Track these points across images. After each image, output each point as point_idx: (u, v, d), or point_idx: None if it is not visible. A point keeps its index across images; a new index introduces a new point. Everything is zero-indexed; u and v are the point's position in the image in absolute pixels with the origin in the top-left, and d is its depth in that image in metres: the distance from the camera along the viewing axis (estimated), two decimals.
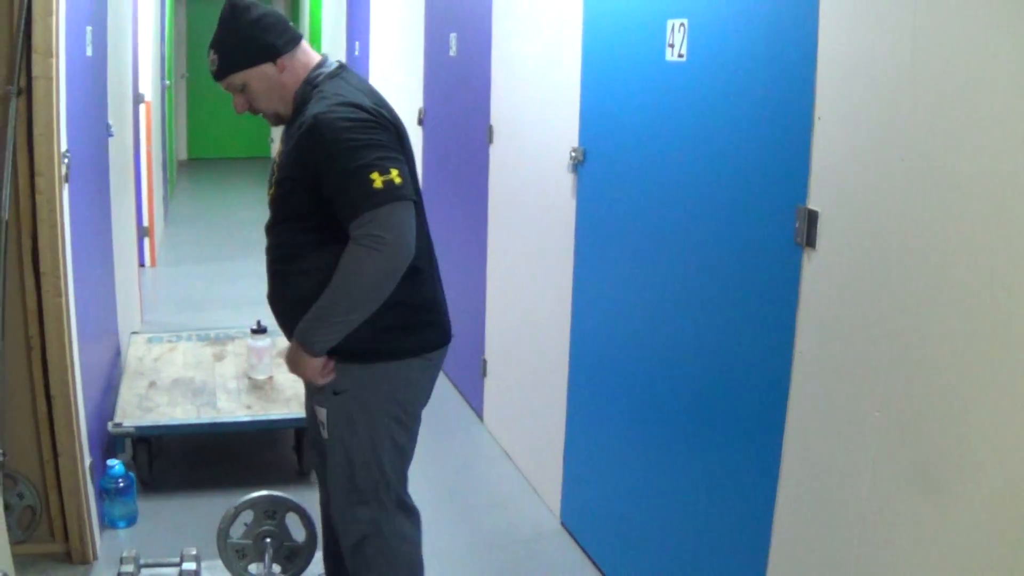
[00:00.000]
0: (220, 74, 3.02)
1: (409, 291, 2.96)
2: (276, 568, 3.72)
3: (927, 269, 2.29)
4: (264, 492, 3.77)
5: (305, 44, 3.09)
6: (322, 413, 3.06)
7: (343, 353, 2.97)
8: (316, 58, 3.08)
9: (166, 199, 11.29)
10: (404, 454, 3.16)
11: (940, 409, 2.26)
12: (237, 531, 3.74)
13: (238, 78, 3.01)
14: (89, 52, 4.51)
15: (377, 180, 2.75)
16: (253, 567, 3.73)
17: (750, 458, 3.04)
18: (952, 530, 2.24)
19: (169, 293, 8.27)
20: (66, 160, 3.76)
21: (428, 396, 3.23)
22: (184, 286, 8.55)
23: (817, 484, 2.71)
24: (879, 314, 2.45)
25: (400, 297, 2.91)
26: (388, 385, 3.05)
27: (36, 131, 3.60)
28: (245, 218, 11.58)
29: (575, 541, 4.30)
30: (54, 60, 3.59)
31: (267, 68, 2.99)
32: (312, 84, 3.00)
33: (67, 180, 3.77)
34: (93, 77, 4.76)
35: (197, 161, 16.59)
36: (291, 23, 3.09)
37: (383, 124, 2.87)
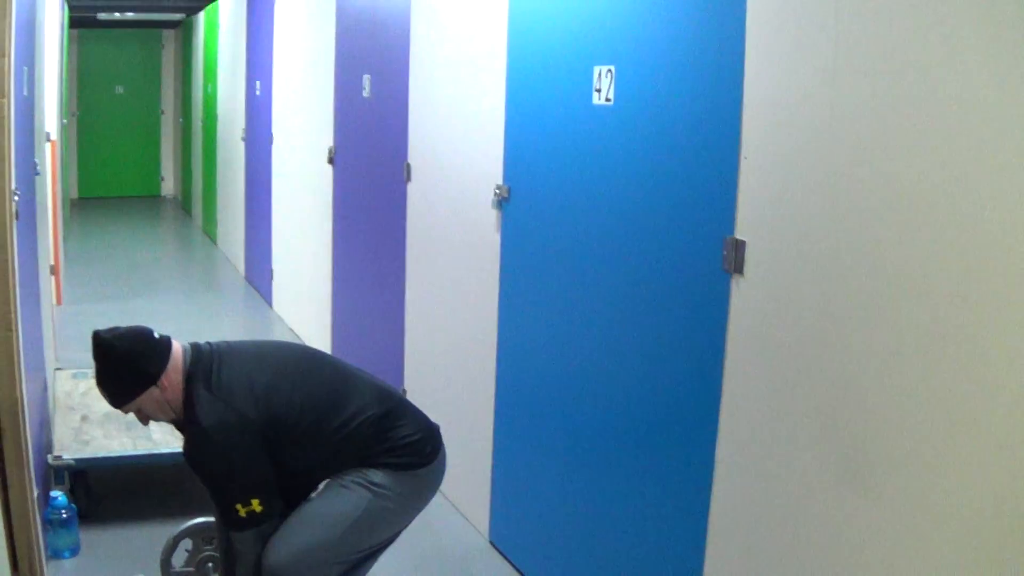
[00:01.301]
0: (117, 404, 3.34)
1: (404, 434, 3.36)
2: None
3: (846, 288, 2.56)
4: (201, 519, 3.87)
5: (174, 346, 3.33)
6: (322, 484, 3.36)
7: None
8: (180, 355, 3.31)
9: (63, 238, 11.25)
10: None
11: (867, 416, 2.52)
12: (179, 559, 3.86)
13: (132, 406, 3.31)
14: (25, 92, 4.61)
15: (241, 511, 3.19)
16: None
17: (682, 472, 3.26)
18: (882, 525, 2.48)
19: (79, 331, 8.27)
20: (16, 198, 3.87)
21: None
22: (91, 324, 8.50)
23: (750, 492, 2.95)
24: (803, 331, 2.70)
25: (401, 442, 3.35)
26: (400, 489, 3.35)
27: None
28: (142, 259, 11.64)
29: (505, 558, 4.49)
30: (5, 100, 3.69)
31: (152, 391, 3.27)
32: (188, 383, 3.27)
33: (17, 217, 3.88)
34: (26, 117, 4.86)
35: (88, 200, 16.49)
36: (155, 336, 3.34)
37: (247, 432, 3.20)
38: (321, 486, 3.37)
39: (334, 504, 3.28)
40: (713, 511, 3.10)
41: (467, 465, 4.83)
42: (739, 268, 2.94)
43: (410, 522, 3.50)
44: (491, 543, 4.62)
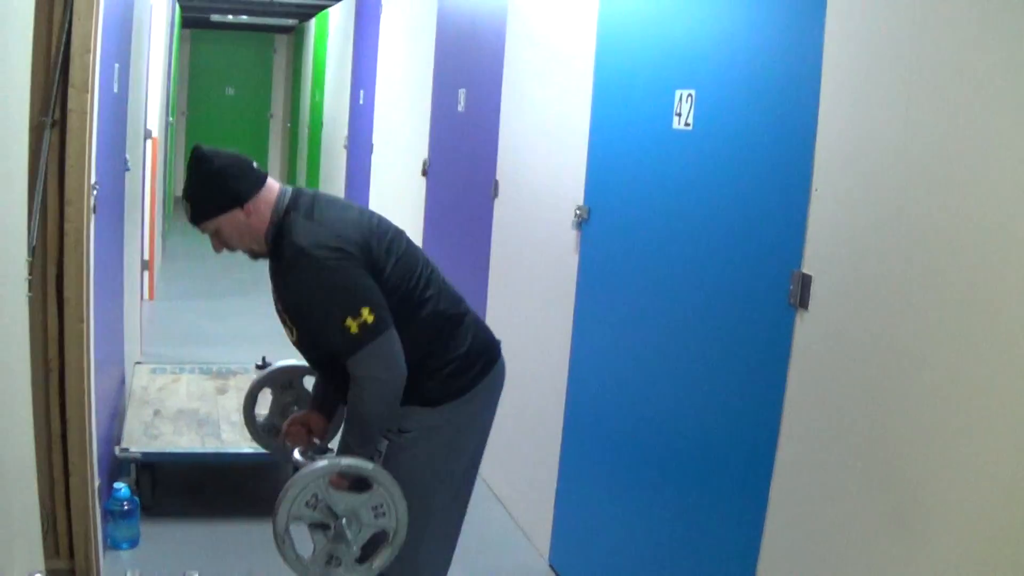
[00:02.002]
0: (194, 220, 3.21)
1: (458, 344, 3.23)
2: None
3: (911, 328, 2.47)
4: (278, 364, 3.72)
5: (270, 182, 3.23)
6: (382, 444, 3.19)
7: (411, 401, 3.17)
8: (276, 193, 3.21)
9: (164, 234, 11.43)
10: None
11: (921, 463, 2.44)
12: (261, 413, 3.76)
13: (210, 224, 3.18)
14: (115, 89, 4.68)
15: (352, 326, 2.97)
16: (296, 452, 3.54)
17: (738, 504, 3.19)
18: (930, 571, 2.40)
19: (167, 326, 8.41)
20: (95, 191, 3.92)
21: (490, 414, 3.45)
22: (182, 320, 8.69)
23: (801, 529, 2.88)
24: (866, 371, 2.63)
25: (452, 354, 3.21)
26: (451, 425, 3.25)
27: (68, 162, 3.74)
28: (239, 257, 11.71)
29: None
30: (88, 95, 3.75)
31: (236, 214, 3.15)
32: (278, 224, 3.15)
33: (95, 211, 3.93)
34: (116, 113, 4.94)
35: None
36: (253, 165, 3.24)
37: (346, 256, 3.03)
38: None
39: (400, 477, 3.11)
40: (764, 545, 3.04)
41: (532, 485, 4.81)
42: (804, 303, 2.87)
43: (484, 435, 3.47)
44: (550, 566, 4.58)
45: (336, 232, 3.07)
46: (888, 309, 2.56)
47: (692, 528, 3.47)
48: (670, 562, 3.59)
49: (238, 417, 5.08)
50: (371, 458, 3.08)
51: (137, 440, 4.75)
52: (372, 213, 3.32)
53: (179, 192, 13.48)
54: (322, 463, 3.00)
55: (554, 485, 4.55)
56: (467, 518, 5.06)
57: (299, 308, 3.13)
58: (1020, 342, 2.19)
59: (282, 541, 2.95)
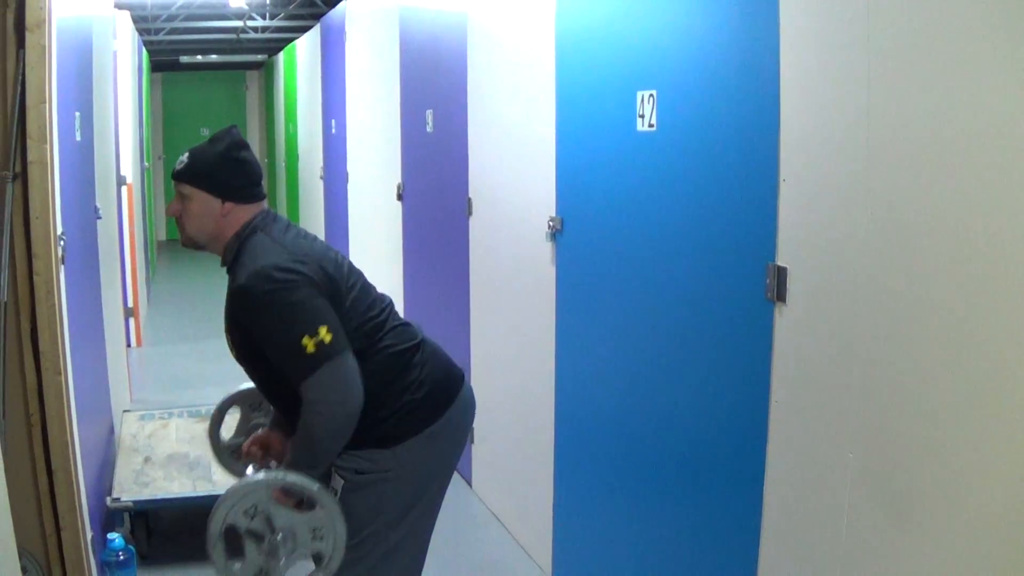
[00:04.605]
0: (179, 176, 3.13)
1: (412, 381, 3.14)
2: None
3: (892, 316, 2.44)
4: (246, 385, 3.60)
5: (261, 205, 3.20)
6: (338, 483, 3.11)
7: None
8: (256, 211, 3.16)
9: (148, 280, 11.39)
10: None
11: (911, 449, 2.40)
12: (227, 435, 3.68)
13: (187, 189, 3.12)
14: (78, 137, 4.65)
15: (309, 344, 2.87)
16: (250, 468, 3.54)
17: (733, 505, 3.16)
18: (929, 563, 2.36)
19: (156, 372, 8.37)
20: (62, 242, 3.88)
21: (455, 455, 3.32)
22: (170, 365, 8.66)
23: (798, 526, 2.84)
24: (849, 361, 2.59)
25: (407, 393, 3.12)
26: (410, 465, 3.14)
27: (32, 214, 3.71)
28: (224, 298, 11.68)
29: None
30: (48, 146, 3.72)
31: (214, 202, 3.10)
32: (240, 238, 3.11)
33: (63, 261, 3.90)
34: (82, 161, 4.91)
35: (176, 242, 16.64)
36: (261, 182, 3.21)
37: (305, 279, 2.96)
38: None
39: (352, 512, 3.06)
40: (763, 543, 3.00)
41: (529, 499, 4.77)
42: (782, 296, 2.84)
43: (448, 471, 3.32)
44: None
45: (298, 256, 3.01)
46: (867, 299, 2.52)
47: (690, 530, 3.43)
48: (672, 569, 3.55)
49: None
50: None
51: (128, 489, 4.70)
52: (334, 249, 3.25)
53: (162, 237, 13.44)
54: (268, 474, 2.95)
55: (551, 501, 4.51)
56: (467, 539, 5.06)
57: (252, 323, 3.02)
58: (999, 323, 2.15)
59: (213, 545, 2.89)
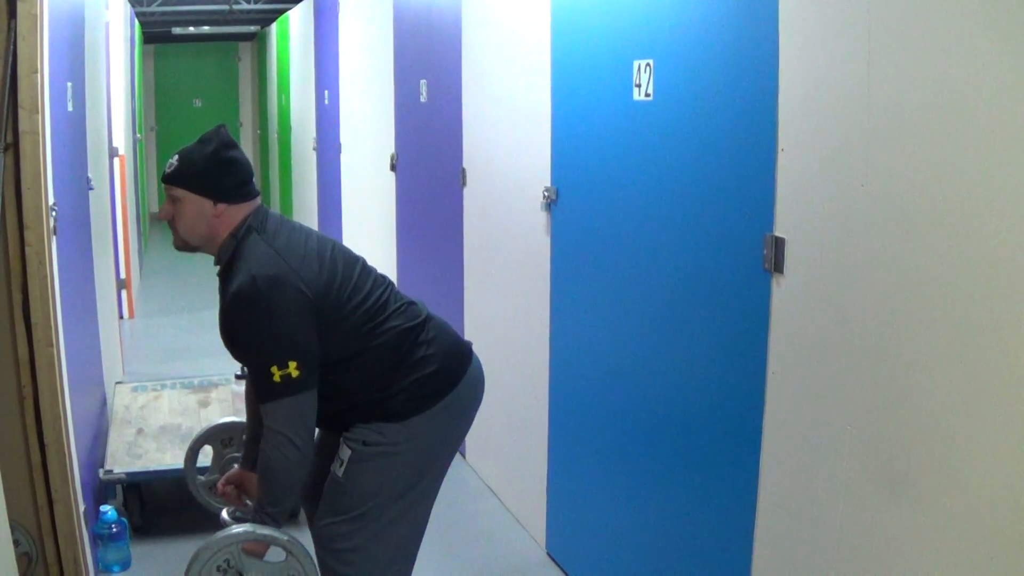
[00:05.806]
0: (170, 179, 3.12)
1: (419, 358, 3.16)
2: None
3: (890, 288, 2.42)
4: (220, 421, 3.74)
5: (256, 202, 3.18)
6: (345, 453, 3.14)
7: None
8: (248, 212, 3.15)
9: (140, 252, 11.36)
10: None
11: (910, 421, 2.38)
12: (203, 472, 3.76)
13: (178, 192, 3.10)
14: (70, 107, 4.61)
15: (276, 375, 2.93)
16: (224, 512, 3.61)
17: (729, 477, 3.14)
18: (927, 536, 2.35)
19: (149, 343, 8.35)
20: (54, 213, 3.85)
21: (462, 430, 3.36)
22: (163, 336, 8.64)
23: (795, 499, 2.82)
24: (847, 332, 2.57)
25: (415, 369, 3.15)
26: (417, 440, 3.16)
27: (24, 185, 3.67)
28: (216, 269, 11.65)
29: (561, 570, 4.39)
30: (39, 116, 3.69)
31: (206, 204, 3.08)
32: (238, 239, 3.09)
33: (55, 233, 3.87)
34: (74, 132, 4.87)
35: None
36: (252, 181, 3.19)
37: (294, 299, 2.98)
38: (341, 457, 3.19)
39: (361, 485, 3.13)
40: (759, 520, 2.99)
41: (523, 473, 4.76)
42: (779, 267, 2.82)
43: (456, 445, 3.37)
44: (548, 554, 4.53)
45: (292, 264, 3.03)
46: (865, 270, 2.50)
47: (685, 502, 3.42)
48: (666, 540, 3.55)
49: None
50: (286, 518, 3.10)
51: (120, 461, 4.69)
52: (330, 240, 3.25)
53: (155, 209, 13.51)
54: (238, 529, 2.99)
55: (545, 472, 4.51)
56: (461, 511, 5.06)
57: (236, 333, 3.09)
58: (998, 294, 2.13)
59: None
